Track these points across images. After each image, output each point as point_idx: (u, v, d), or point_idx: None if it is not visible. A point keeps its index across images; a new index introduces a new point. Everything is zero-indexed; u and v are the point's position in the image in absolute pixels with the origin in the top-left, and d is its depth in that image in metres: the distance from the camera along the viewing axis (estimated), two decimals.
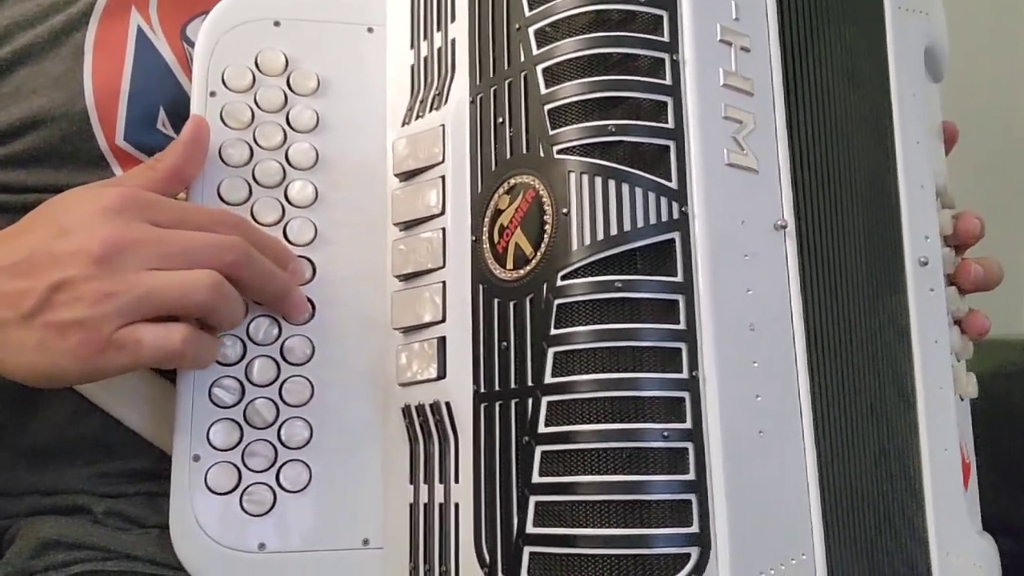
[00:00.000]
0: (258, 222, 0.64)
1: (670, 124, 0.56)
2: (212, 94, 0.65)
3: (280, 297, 0.61)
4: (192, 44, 0.69)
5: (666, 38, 0.57)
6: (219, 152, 0.64)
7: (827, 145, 0.63)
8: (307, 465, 0.62)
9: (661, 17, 0.57)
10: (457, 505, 0.58)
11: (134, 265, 0.55)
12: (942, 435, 0.63)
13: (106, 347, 0.55)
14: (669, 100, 0.56)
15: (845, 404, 0.59)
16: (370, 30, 0.68)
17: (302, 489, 0.62)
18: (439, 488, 0.59)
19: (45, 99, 0.68)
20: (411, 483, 0.61)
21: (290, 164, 0.65)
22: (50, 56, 0.69)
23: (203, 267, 0.57)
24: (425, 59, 0.65)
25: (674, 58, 0.56)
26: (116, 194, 0.58)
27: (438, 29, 0.64)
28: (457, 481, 0.58)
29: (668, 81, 0.56)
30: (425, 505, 0.60)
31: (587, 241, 0.54)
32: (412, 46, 0.66)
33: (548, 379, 0.54)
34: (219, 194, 0.64)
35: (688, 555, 0.51)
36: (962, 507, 0.64)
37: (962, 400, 0.68)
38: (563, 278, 0.54)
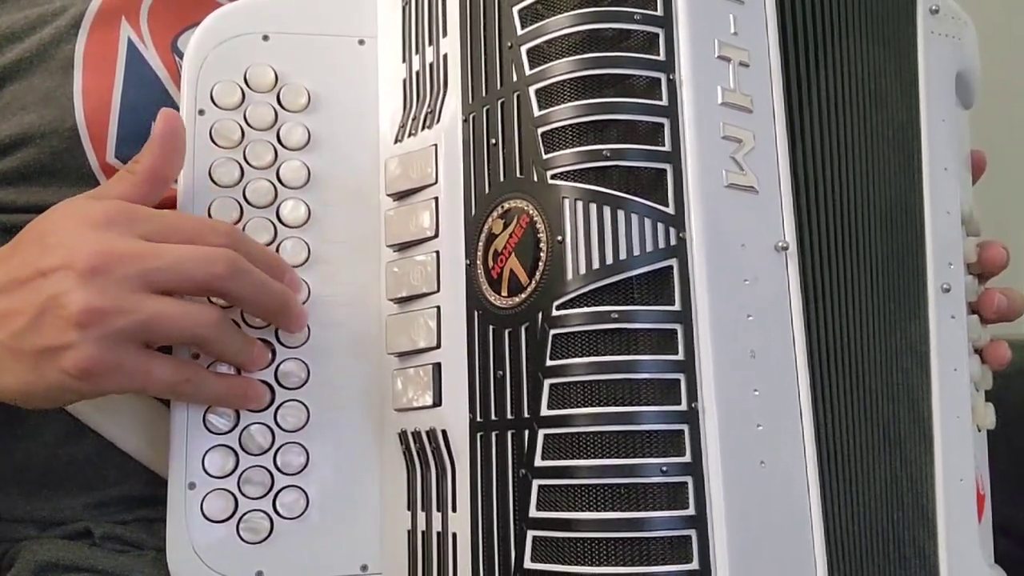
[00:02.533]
0: None
1: (667, 147, 0.54)
2: (201, 112, 0.64)
3: (277, 310, 0.60)
4: (183, 56, 0.68)
5: (662, 57, 0.55)
6: (209, 172, 0.63)
7: (838, 164, 0.61)
8: (304, 491, 0.61)
9: (657, 35, 0.55)
10: (455, 535, 0.57)
11: (121, 280, 0.54)
12: (958, 464, 0.62)
13: (104, 369, 0.54)
14: (666, 122, 0.54)
15: (854, 430, 0.58)
16: (361, 42, 0.66)
17: (299, 515, 0.61)
18: (437, 516, 0.58)
19: (35, 116, 0.67)
20: (409, 510, 0.60)
21: (282, 183, 0.64)
22: (39, 71, 0.68)
23: (192, 279, 0.55)
24: (417, 73, 0.63)
25: (670, 77, 0.55)
26: (101, 208, 0.57)
27: (430, 43, 0.62)
28: (455, 510, 0.57)
29: (664, 102, 0.55)
30: (423, 533, 0.59)
31: (582, 270, 0.53)
32: (404, 60, 0.64)
33: (544, 411, 0.53)
34: (210, 215, 0.62)
35: None
36: (975, 539, 0.63)
37: (979, 431, 0.67)
38: (559, 308, 0.53)
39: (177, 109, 0.66)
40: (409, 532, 0.60)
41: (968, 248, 0.68)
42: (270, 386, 0.62)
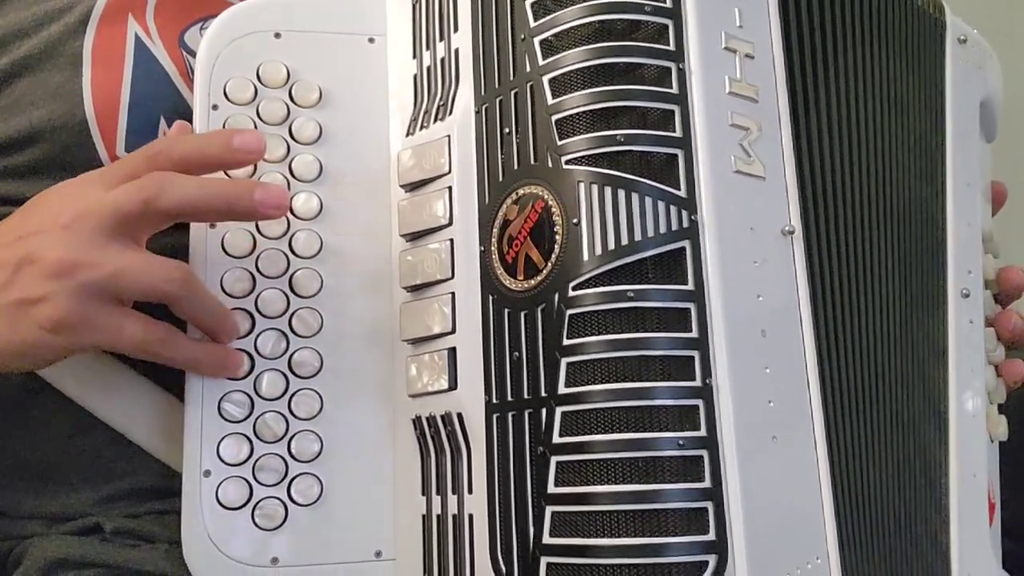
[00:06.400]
0: (264, 235, 0.64)
1: (678, 133, 0.56)
2: (214, 107, 0.65)
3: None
4: (190, 52, 0.69)
5: (672, 47, 0.57)
6: None
7: (847, 156, 0.63)
8: (318, 478, 0.62)
9: (666, 26, 0.57)
10: (471, 516, 0.58)
11: (91, 232, 0.56)
12: (972, 460, 0.65)
13: (76, 322, 0.56)
14: (676, 109, 0.56)
15: (863, 408, 0.60)
16: (371, 40, 0.68)
17: (314, 502, 0.62)
18: (452, 499, 0.59)
19: (44, 111, 0.68)
20: (423, 494, 0.61)
21: (294, 177, 0.65)
22: (48, 66, 0.68)
23: (162, 211, 0.57)
24: (428, 69, 0.65)
25: (680, 67, 0.57)
26: (82, 177, 0.61)
27: (440, 39, 0.64)
28: (471, 492, 0.58)
29: (675, 90, 0.56)
30: (438, 516, 0.60)
31: (598, 251, 0.54)
32: (414, 56, 0.66)
33: (562, 389, 0.54)
34: None
35: (706, 562, 0.52)
36: (987, 535, 0.64)
37: (992, 441, 0.69)
38: (574, 288, 0.54)
39: (185, 103, 0.67)
40: (424, 517, 0.61)
41: (987, 265, 0.71)
42: (284, 375, 0.62)
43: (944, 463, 0.64)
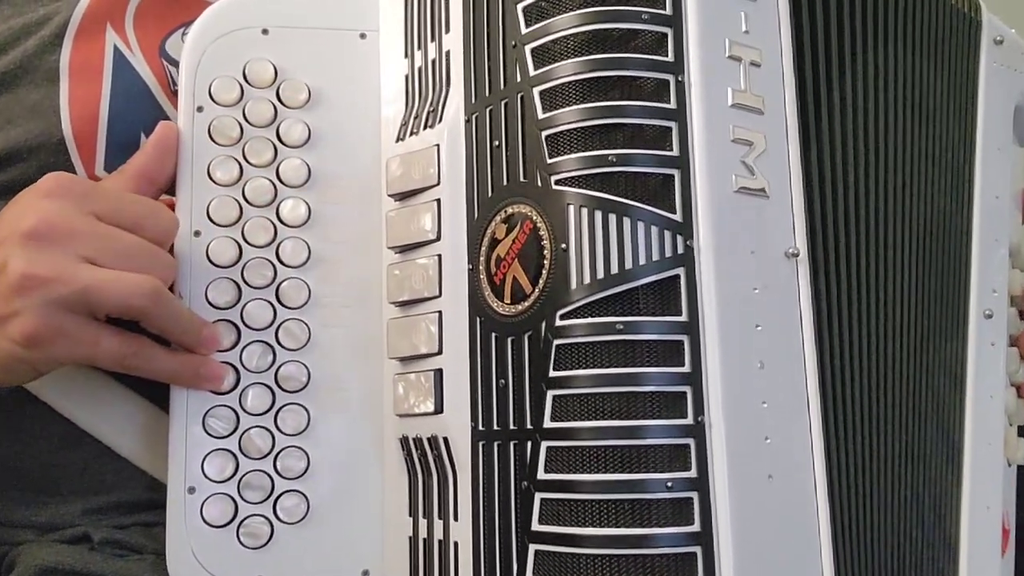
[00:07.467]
0: (250, 243, 0.61)
1: (675, 152, 0.53)
2: (199, 109, 0.62)
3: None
4: (172, 62, 0.66)
5: (670, 57, 0.53)
6: (208, 170, 0.62)
7: (863, 170, 0.60)
8: (304, 495, 0.60)
9: (665, 35, 0.54)
10: (456, 544, 0.56)
11: (65, 252, 0.55)
12: (986, 491, 0.61)
13: (48, 336, 0.55)
14: (674, 125, 0.53)
15: (870, 444, 0.57)
16: (363, 36, 0.65)
17: (300, 520, 0.60)
18: (438, 524, 0.57)
19: (21, 130, 0.65)
20: (410, 516, 0.59)
21: (281, 181, 0.63)
22: (24, 83, 0.66)
23: (136, 271, 0.56)
24: (419, 70, 0.62)
25: (679, 79, 0.53)
26: (53, 180, 0.58)
27: (432, 39, 0.61)
28: (456, 519, 0.56)
29: (673, 105, 0.53)
30: (424, 540, 0.58)
31: (587, 279, 0.51)
32: (406, 55, 0.63)
33: (547, 423, 0.52)
34: (208, 214, 0.61)
35: None
36: (998, 569, 0.62)
37: (1009, 465, 0.66)
38: (562, 317, 0.52)
39: (167, 118, 0.65)
40: (411, 539, 0.59)
41: (1013, 280, 0.67)
42: (270, 390, 0.61)
43: (956, 496, 0.61)
